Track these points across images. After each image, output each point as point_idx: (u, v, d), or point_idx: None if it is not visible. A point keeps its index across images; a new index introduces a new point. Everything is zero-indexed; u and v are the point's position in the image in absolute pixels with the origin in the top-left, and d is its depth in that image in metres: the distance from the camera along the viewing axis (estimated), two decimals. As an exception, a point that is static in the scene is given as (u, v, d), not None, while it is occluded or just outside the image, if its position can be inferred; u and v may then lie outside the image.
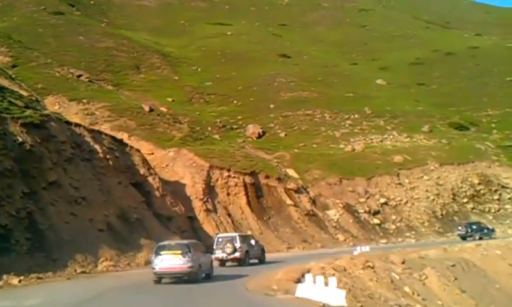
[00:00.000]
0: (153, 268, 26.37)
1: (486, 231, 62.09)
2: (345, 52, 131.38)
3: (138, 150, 51.78)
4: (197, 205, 54.28)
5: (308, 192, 67.60)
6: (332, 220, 65.59)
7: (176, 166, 58.41)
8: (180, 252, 26.10)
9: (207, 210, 54.60)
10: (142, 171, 49.11)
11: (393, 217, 69.24)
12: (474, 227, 62.47)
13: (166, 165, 58.45)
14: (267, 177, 63.78)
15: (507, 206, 75.21)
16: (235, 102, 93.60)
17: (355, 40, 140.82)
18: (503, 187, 77.40)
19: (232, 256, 37.16)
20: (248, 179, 61.01)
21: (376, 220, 67.95)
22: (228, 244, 36.90)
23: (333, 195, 69.17)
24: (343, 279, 26.49)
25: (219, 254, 37.07)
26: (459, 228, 63.68)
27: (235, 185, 59.48)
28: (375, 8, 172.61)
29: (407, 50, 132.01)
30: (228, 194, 58.51)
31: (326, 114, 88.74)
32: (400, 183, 73.37)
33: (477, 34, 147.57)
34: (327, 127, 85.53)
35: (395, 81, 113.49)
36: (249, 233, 46.95)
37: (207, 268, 28.71)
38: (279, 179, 65.03)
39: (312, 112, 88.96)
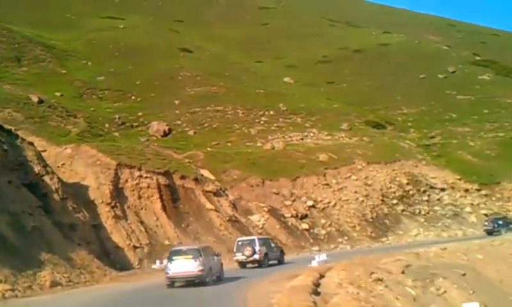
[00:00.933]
0: (167, 273, 27.84)
1: (511, 226, 59.10)
2: (248, 49, 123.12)
3: (31, 143, 41.37)
4: (103, 211, 44.58)
5: (227, 195, 58.92)
6: (257, 226, 57.39)
7: (76, 165, 47.88)
8: (191, 256, 27.57)
9: (116, 217, 44.96)
10: (37, 169, 38.85)
11: (323, 221, 61.95)
12: (500, 222, 59.42)
13: (63, 164, 47.86)
14: (182, 178, 54.69)
15: (436, 208, 70.50)
16: (133, 97, 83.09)
17: (257, 38, 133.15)
18: (431, 187, 72.72)
19: (251, 259, 39.07)
20: (161, 180, 51.62)
21: (305, 225, 60.36)
22: (247, 247, 38.89)
23: (256, 198, 60.93)
24: (371, 299, 18.01)
25: (239, 256, 39.35)
26: (485, 223, 60.79)
27: (148, 186, 49.90)
28: (275, 6, 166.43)
29: (313, 48, 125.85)
30: (140, 198, 48.86)
31: (238, 110, 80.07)
32: (327, 184, 66.28)
33: (386, 32, 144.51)
34: (240, 124, 76.98)
35: (302, 79, 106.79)
36: (267, 236, 47.15)
37: (217, 271, 30.17)
38: (196, 180, 56.07)
39: (222, 108, 79.99)
